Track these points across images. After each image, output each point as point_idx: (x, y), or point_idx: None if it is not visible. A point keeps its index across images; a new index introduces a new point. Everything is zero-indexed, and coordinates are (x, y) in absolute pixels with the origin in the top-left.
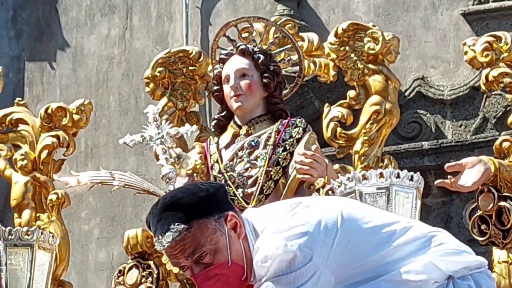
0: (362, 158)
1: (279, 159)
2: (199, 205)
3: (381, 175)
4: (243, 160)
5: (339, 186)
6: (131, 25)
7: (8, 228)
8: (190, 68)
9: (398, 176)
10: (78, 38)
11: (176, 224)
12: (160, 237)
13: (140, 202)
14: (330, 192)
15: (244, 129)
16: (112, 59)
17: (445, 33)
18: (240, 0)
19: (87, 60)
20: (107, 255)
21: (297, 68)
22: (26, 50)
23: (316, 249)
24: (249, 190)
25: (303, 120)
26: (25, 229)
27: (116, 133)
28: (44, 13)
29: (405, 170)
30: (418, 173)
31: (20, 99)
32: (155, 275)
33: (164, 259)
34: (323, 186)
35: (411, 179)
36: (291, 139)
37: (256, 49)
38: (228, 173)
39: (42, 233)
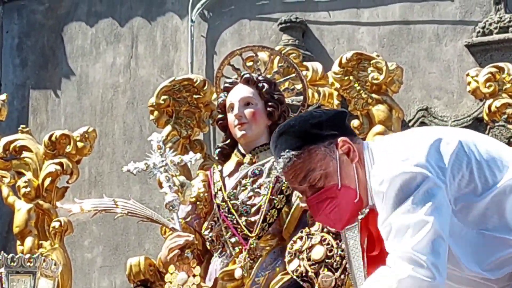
0: None
1: (283, 188)
2: (310, 133)
3: None
4: (246, 188)
5: None
6: (137, 53)
7: (11, 255)
8: (195, 96)
9: None
10: (83, 66)
11: (287, 151)
12: (276, 163)
13: (143, 230)
14: None
15: (248, 157)
16: (117, 87)
17: (449, 64)
18: (246, 29)
19: (92, 88)
20: (110, 283)
21: (301, 97)
22: (31, 78)
23: (432, 170)
24: (252, 219)
25: None
26: (27, 256)
27: (120, 161)
28: (49, 41)
29: None
30: None
31: (24, 126)
32: None
33: (167, 287)
34: None
35: None
36: None
37: (260, 78)
38: (232, 201)
39: (44, 261)
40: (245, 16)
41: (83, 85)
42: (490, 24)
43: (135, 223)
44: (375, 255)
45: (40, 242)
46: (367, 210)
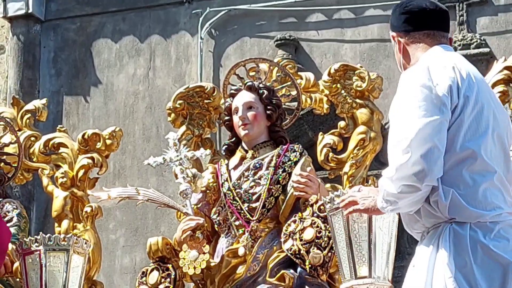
0: (350, 178)
1: (279, 179)
2: (393, 25)
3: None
4: (248, 179)
5: (328, 202)
6: (154, 66)
7: (48, 235)
8: (206, 101)
9: None
10: (109, 76)
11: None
12: None
13: (159, 215)
14: (322, 207)
15: (250, 153)
16: (137, 94)
17: None
18: (247, 45)
19: (116, 95)
20: (131, 260)
21: (295, 102)
22: (65, 86)
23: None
24: (253, 205)
25: (300, 146)
26: (62, 236)
27: (140, 157)
28: (80, 54)
29: None
30: None
31: (61, 126)
32: (172, 276)
33: (181, 262)
34: (316, 202)
35: None
36: (290, 162)
37: (261, 85)
38: (236, 190)
39: (77, 240)
40: (246, 34)
41: (109, 92)
42: (455, 42)
43: (153, 209)
44: None
45: (75, 224)
46: None
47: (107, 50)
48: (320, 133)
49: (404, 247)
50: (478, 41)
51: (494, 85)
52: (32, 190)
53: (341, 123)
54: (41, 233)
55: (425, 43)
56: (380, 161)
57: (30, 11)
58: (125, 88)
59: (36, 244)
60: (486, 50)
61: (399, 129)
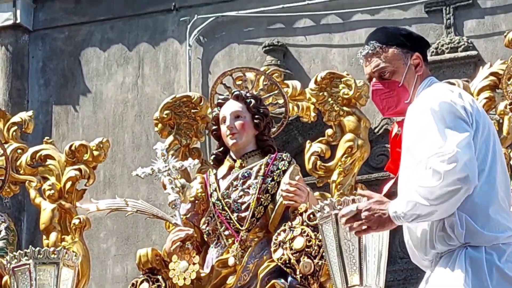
0: (338, 186)
1: (268, 188)
2: (398, 37)
3: (353, 201)
4: (237, 188)
5: (319, 211)
6: (143, 73)
7: (38, 248)
8: (193, 110)
9: None
10: (98, 85)
11: (375, 41)
12: (361, 49)
13: (150, 224)
14: (311, 216)
15: (238, 162)
16: (126, 102)
17: None
18: (235, 52)
19: (105, 103)
20: (122, 270)
21: (283, 110)
22: (54, 96)
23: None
24: (243, 214)
25: (288, 155)
26: (52, 249)
27: (130, 165)
28: (69, 64)
29: None
30: None
31: (48, 138)
32: (163, 287)
33: (171, 273)
34: (305, 211)
35: None
36: (278, 171)
37: (248, 94)
38: (225, 200)
39: (66, 253)
40: (234, 40)
41: (98, 101)
42: (442, 45)
43: (144, 218)
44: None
45: (63, 236)
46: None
47: (96, 59)
48: (308, 141)
49: (396, 251)
50: (466, 44)
51: (480, 91)
52: (23, 201)
53: (329, 131)
54: (30, 246)
55: (427, 71)
56: (370, 165)
57: (18, 21)
58: (114, 97)
59: (26, 257)
60: (474, 53)
61: (434, 141)
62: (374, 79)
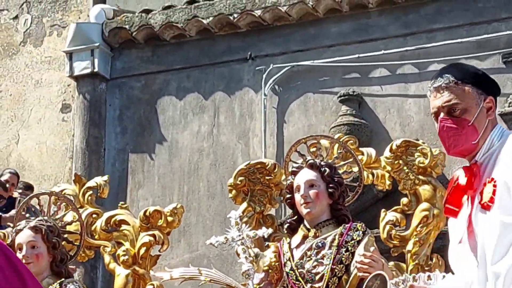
0: (414, 256)
1: (343, 258)
2: (474, 76)
3: (429, 277)
4: (311, 258)
5: (394, 285)
6: (218, 122)
7: None
8: (267, 177)
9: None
10: (174, 133)
11: (450, 75)
12: (433, 81)
13: (226, 272)
14: None
15: (312, 231)
16: (202, 151)
17: None
18: (310, 101)
19: (181, 152)
20: None
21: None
22: (130, 144)
23: None
24: (316, 285)
25: (363, 224)
26: None
27: (205, 214)
28: (145, 112)
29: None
30: None
31: (122, 203)
32: None
33: None
34: None
35: None
36: (353, 241)
37: (322, 163)
38: (299, 270)
39: None
40: (310, 90)
41: (174, 149)
42: None
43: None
44: (453, 210)
45: None
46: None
47: (172, 107)
48: (383, 210)
49: None
50: None
51: None
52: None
53: (404, 200)
54: None
55: (496, 119)
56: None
57: (96, 69)
58: (189, 145)
59: None
60: None
61: None
62: (442, 114)
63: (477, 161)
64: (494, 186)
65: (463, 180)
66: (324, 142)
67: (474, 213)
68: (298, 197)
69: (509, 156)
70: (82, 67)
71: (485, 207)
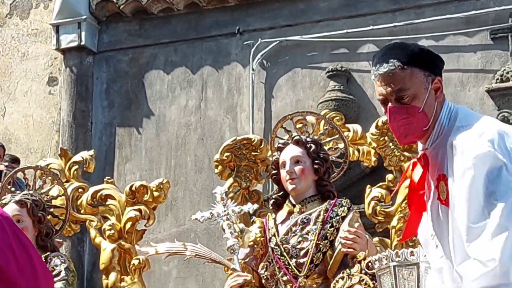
0: (398, 232)
1: (327, 234)
2: (420, 57)
3: (412, 253)
4: (296, 234)
5: (376, 261)
6: (206, 97)
7: None
8: (253, 153)
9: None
10: (161, 107)
11: (396, 60)
12: (378, 66)
13: (212, 246)
14: (370, 264)
15: (297, 207)
16: (189, 125)
17: (471, 107)
18: (298, 76)
19: (168, 126)
20: None
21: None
22: (117, 118)
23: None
24: (301, 260)
25: (348, 200)
26: None
27: (192, 188)
28: (132, 86)
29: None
30: None
31: (108, 177)
32: None
33: None
34: (364, 259)
35: None
36: (338, 217)
37: (308, 139)
38: (284, 245)
39: None
40: (298, 65)
41: (161, 123)
42: (508, 72)
43: (206, 239)
44: (420, 193)
45: (122, 276)
46: (421, 152)
47: (159, 81)
48: (368, 186)
49: None
50: None
51: None
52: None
53: (389, 176)
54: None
55: (443, 95)
56: None
57: (82, 43)
58: (177, 119)
59: None
60: None
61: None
62: (390, 103)
63: (427, 148)
64: (447, 185)
65: (416, 177)
66: (310, 118)
67: (431, 202)
68: (283, 173)
69: (457, 166)
70: (69, 40)
71: (444, 203)
